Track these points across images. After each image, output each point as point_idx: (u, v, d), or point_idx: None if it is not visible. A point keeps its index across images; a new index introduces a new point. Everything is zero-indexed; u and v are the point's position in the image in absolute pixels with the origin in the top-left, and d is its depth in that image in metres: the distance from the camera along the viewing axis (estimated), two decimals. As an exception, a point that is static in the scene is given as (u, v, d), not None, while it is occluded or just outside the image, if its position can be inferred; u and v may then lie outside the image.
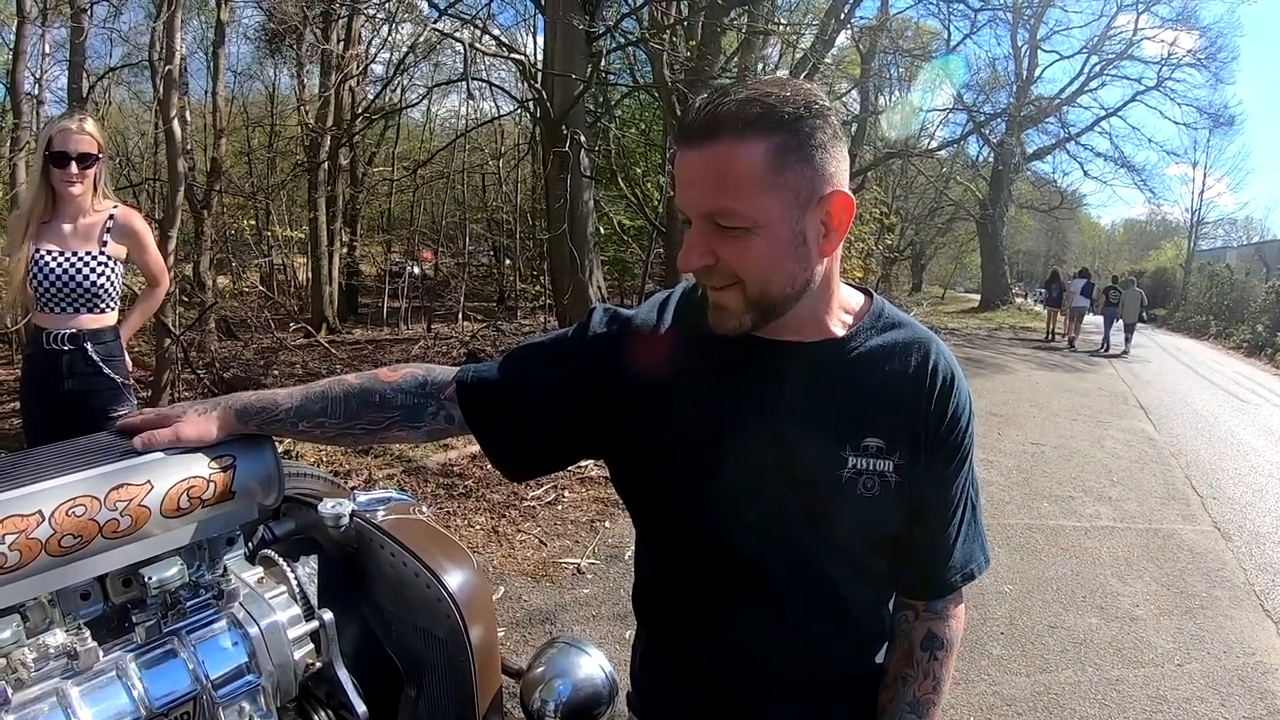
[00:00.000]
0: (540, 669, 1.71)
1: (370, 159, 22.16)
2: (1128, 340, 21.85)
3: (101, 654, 1.32)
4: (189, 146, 15.39)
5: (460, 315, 17.22)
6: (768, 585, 1.32)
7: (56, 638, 1.31)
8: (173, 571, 1.46)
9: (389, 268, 22.83)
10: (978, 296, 39.66)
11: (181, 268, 12.29)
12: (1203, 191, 43.17)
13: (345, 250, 20.45)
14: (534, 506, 5.73)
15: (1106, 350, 21.31)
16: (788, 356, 1.27)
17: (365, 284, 23.57)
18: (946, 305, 38.75)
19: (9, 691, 1.23)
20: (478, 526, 5.31)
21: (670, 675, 1.48)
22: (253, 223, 17.29)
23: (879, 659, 1.42)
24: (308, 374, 10.64)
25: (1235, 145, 69.27)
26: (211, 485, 1.48)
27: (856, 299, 1.36)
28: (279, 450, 1.62)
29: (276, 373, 11.30)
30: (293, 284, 20.45)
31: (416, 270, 23.50)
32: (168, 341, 8.68)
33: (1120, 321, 21.76)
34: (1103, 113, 36.73)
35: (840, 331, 1.29)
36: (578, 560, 5.03)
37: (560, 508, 5.70)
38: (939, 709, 1.35)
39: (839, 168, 1.18)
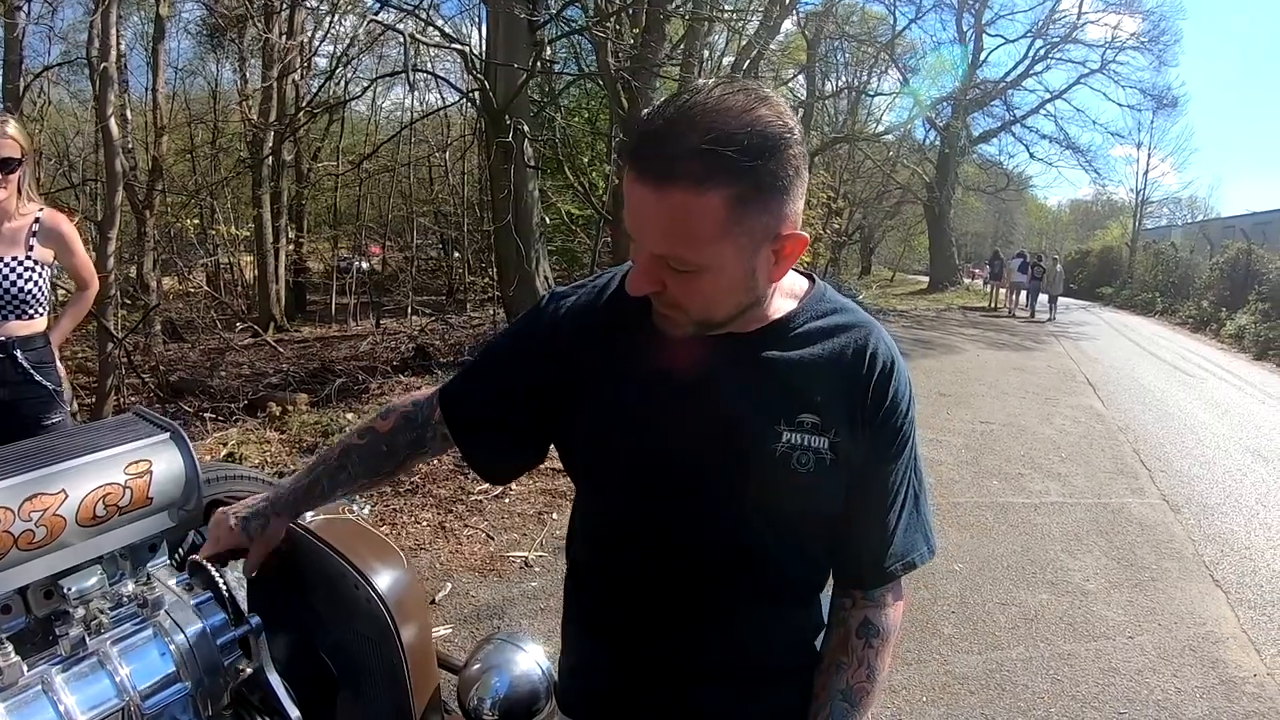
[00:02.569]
0: (476, 666, 1.68)
1: (315, 154, 21.91)
2: (1052, 308, 26.22)
3: (25, 668, 1.29)
4: (129, 145, 15.16)
5: (409, 310, 17.06)
6: (701, 566, 1.31)
7: (-22, 653, 1.27)
8: (92, 581, 1.45)
9: (336, 264, 22.62)
10: (927, 278, 39.94)
11: (125, 269, 12.11)
12: (1147, 172, 43.87)
13: (292, 247, 20.23)
14: (481, 501, 5.67)
15: (1032, 317, 25.45)
16: (729, 346, 1.27)
17: (313, 281, 23.34)
18: (895, 287, 38.96)
19: (-72, 709, 1.19)
20: (424, 523, 5.24)
21: (601, 660, 1.46)
22: (196, 221, 17.05)
23: (817, 647, 1.40)
24: (255, 374, 10.51)
25: (1179, 126, 70.73)
26: (128, 492, 1.46)
27: (800, 284, 1.36)
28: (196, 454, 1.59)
29: (224, 373, 11.14)
30: (239, 283, 20.20)
31: (364, 265, 23.28)
32: (110, 346, 8.51)
33: (1044, 294, 26.32)
34: (1048, 95, 37.37)
35: (778, 315, 1.29)
36: (525, 553, 4.99)
37: (507, 500, 5.64)
38: (874, 698, 1.33)
39: (795, 207, 1.16)
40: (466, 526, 5.23)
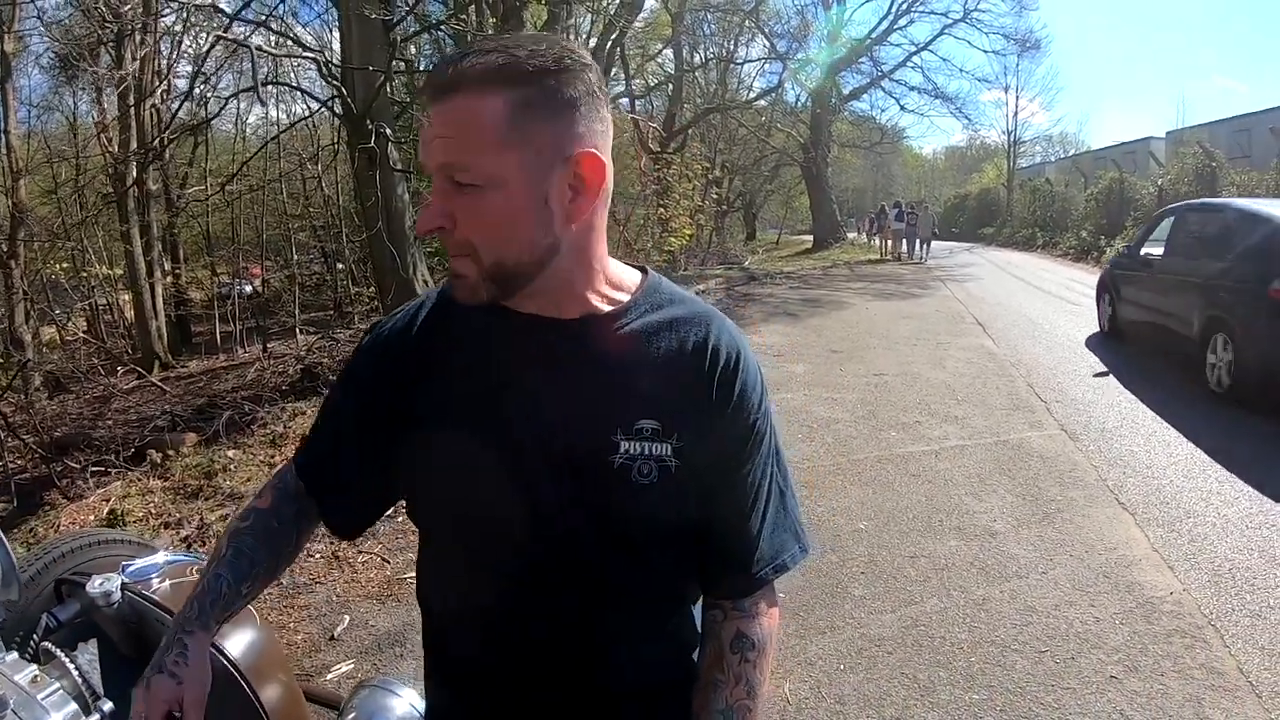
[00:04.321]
0: (351, 715, 1.60)
1: (184, 180, 21.35)
2: (926, 250, 29.64)
3: None
4: (-19, 194, 14.57)
5: (296, 329, 16.71)
6: (547, 587, 1.21)
7: None
8: None
9: (217, 291, 22.07)
10: (811, 238, 40.49)
11: (-3, 325, 11.67)
12: (1016, 113, 46.07)
13: (169, 279, 19.69)
14: (373, 526, 5.46)
15: (911, 259, 28.97)
16: (547, 334, 1.19)
17: (195, 312, 22.78)
18: (781, 249, 39.49)
19: None
20: (317, 555, 5.04)
21: (454, 689, 1.36)
22: (68, 265, 16.49)
23: (690, 664, 1.32)
24: (142, 418, 10.13)
25: (1043, 67, 73.05)
26: None
27: (631, 277, 1.27)
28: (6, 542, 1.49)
29: (109, 422, 10.77)
30: (121, 323, 19.61)
31: (247, 289, 22.77)
32: (-17, 411, 8.17)
33: (918, 238, 29.65)
34: (913, 49, 38.20)
35: (606, 308, 1.21)
36: (423, 573, 4.83)
37: (400, 519, 5.33)
38: (756, 715, 1.25)
39: (591, 128, 1.11)
40: (361, 553, 5.03)
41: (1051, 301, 15.46)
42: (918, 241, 29.83)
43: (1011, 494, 5.69)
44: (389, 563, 4.99)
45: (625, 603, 1.24)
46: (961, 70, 45.51)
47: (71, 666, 1.45)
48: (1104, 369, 9.60)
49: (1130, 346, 10.86)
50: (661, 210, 19.67)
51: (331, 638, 4.21)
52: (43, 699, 1.37)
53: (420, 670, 1.43)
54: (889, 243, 31.44)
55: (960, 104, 39.90)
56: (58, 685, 1.40)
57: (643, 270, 1.30)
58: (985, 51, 39.41)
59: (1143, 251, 10.75)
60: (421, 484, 1.27)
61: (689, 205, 20.69)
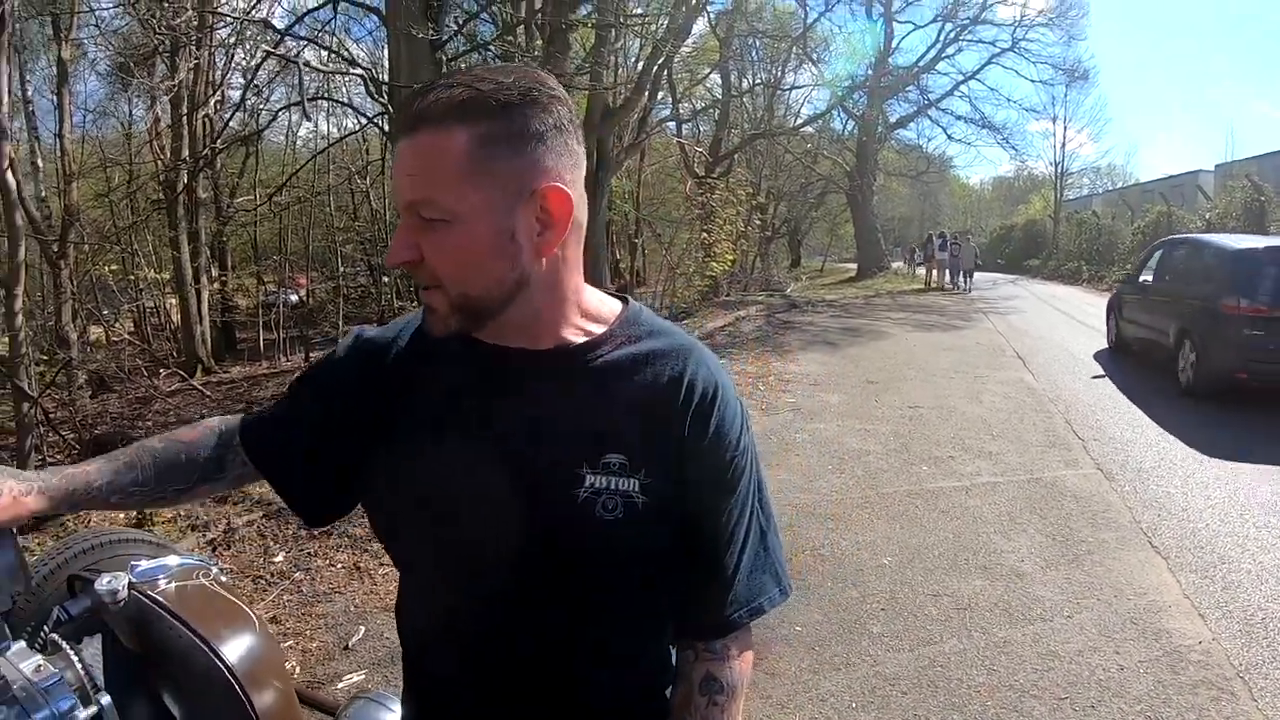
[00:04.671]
0: (343, 723, 1.63)
1: (233, 189, 21.68)
2: (969, 281, 29.88)
3: None
4: (42, 194, 14.86)
5: (339, 340, 16.90)
6: (518, 623, 1.21)
7: None
8: None
9: (263, 299, 22.35)
10: (856, 266, 40.39)
11: (44, 322, 11.87)
12: (1064, 144, 45.44)
13: (217, 286, 19.96)
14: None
15: (954, 289, 29.07)
16: (518, 365, 1.20)
17: (240, 319, 23.08)
18: (825, 277, 39.46)
19: None
20: (339, 565, 5.11)
21: (428, 705, 1.37)
22: (116, 267, 16.77)
23: (668, 696, 1.32)
24: (181, 421, 10.29)
25: (1091, 98, 71.93)
26: None
27: (610, 307, 1.27)
28: (18, 542, 1.53)
29: (150, 423, 10.93)
30: (167, 327, 19.90)
31: (293, 298, 23.05)
32: (26, 406, 8.32)
33: (961, 268, 29.97)
34: (961, 77, 37.91)
35: (580, 339, 1.21)
36: (439, 588, 4.86)
37: None
38: None
39: (559, 162, 1.11)
40: (382, 565, 5.06)
41: (1095, 336, 15.23)
42: (960, 272, 30.11)
43: (1042, 534, 5.60)
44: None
45: (598, 644, 1.24)
46: (1009, 100, 45.36)
47: (75, 659, 1.48)
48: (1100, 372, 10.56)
49: (1129, 358, 12.65)
50: (705, 235, 19.65)
51: (346, 647, 4.26)
52: (44, 687, 1.39)
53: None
54: (934, 273, 31.25)
55: (1007, 134, 39.49)
56: (59, 676, 1.42)
57: (624, 300, 1.30)
58: (1033, 81, 39.00)
59: (1140, 278, 12.66)
60: (390, 503, 1.28)
61: (732, 230, 20.65)
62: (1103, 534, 5.58)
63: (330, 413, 1.31)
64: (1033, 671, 3.92)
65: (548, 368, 1.19)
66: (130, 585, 1.57)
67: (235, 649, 1.47)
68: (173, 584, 1.61)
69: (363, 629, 4.44)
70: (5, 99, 8.47)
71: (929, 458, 7.50)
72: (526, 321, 1.17)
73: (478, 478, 1.17)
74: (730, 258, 21.86)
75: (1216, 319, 9.57)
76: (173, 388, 13.16)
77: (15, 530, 1.51)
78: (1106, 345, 13.96)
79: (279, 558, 5.33)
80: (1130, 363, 12.31)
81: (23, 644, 1.53)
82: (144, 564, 1.63)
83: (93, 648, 1.54)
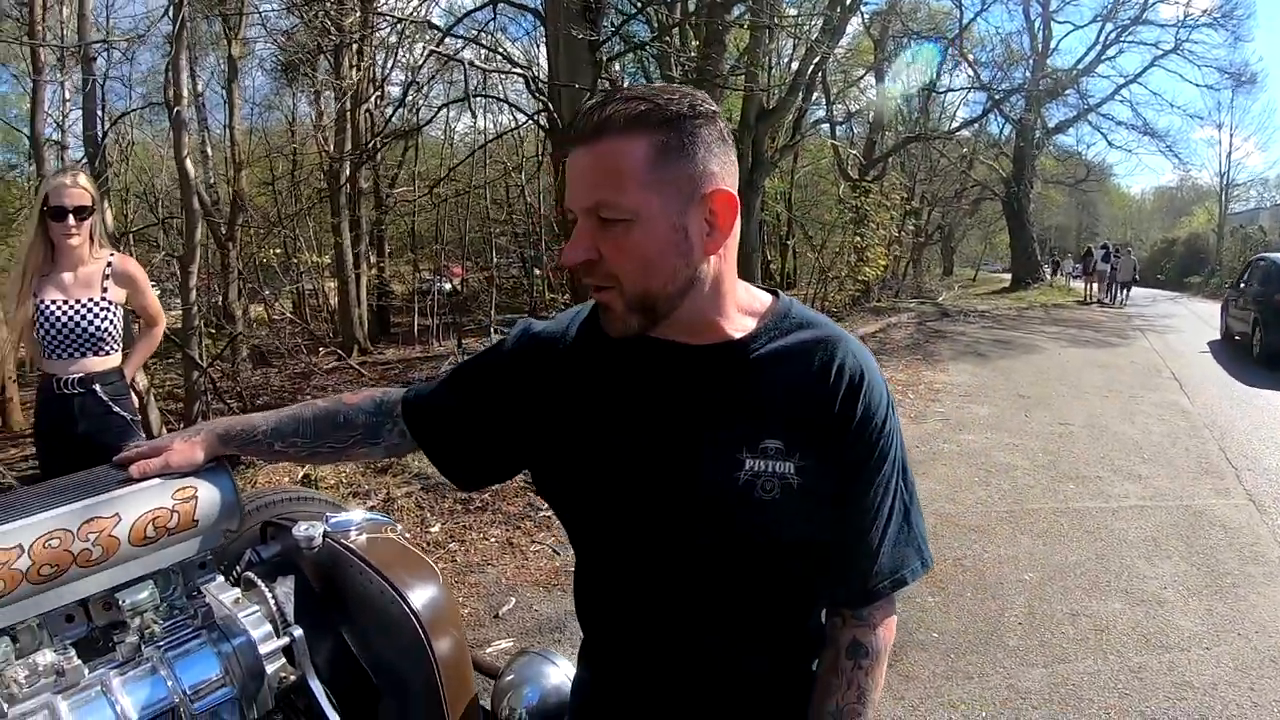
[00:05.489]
0: (510, 677, 1.76)
1: (393, 180, 22.31)
2: (1126, 295, 29.39)
3: (87, 671, 1.47)
4: (212, 180, 15.66)
5: (491, 329, 17.26)
6: (682, 596, 1.33)
7: (45, 657, 1.44)
8: (145, 595, 1.60)
9: (418, 286, 23.00)
10: (1010, 276, 39.27)
11: (213, 299, 12.51)
12: (1230, 153, 43.18)
13: (374, 271, 20.63)
14: (549, 517, 5.68)
15: (1112, 303, 28.50)
16: (682, 359, 1.29)
17: (395, 304, 23.77)
18: (977, 287, 38.31)
19: (4, 706, 1.36)
20: (493, 539, 5.34)
21: (598, 693, 1.49)
22: (280, 251, 17.49)
23: (814, 668, 1.41)
24: (338, 396, 10.71)
25: (1260, 104, 68.03)
26: (176, 515, 1.58)
27: (762, 301, 1.36)
28: (237, 480, 1.71)
29: (307, 397, 11.34)
30: (324, 308, 20.67)
31: (446, 286, 23.61)
32: (196, 374, 8.84)
33: (1118, 281, 29.32)
34: (1122, 80, 35.79)
35: (738, 334, 1.29)
36: (589, 568, 5.01)
37: None
38: (865, 719, 1.33)
39: (723, 169, 1.21)
40: (534, 542, 5.31)
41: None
42: (1117, 284, 29.16)
43: (1187, 562, 5.44)
44: (559, 554, 5.23)
45: (754, 616, 1.35)
46: (1172, 105, 42.61)
47: (269, 595, 1.66)
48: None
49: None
50: (857, 238, 19.42)
51: (496, 615, 4.47)
52: (243, 617, 1.58)
53: (576, 653, 1.59)
54: (1094, 286, 29.88)
55: (1170, 142, 37.14)
56: (256, 608, 1.61)
57: (774, 293, 1.38)
58: (1197, 86, 37.06)
59: (1240, 285, 16.74)
60: (565, 489, 1.40)
61: (885, 235, 20.35)
62: (1249, 567, 5.37)
63: (491, 397, 1.43)
64: (1165, 699, 3.86)
65: (710, 361, 1.28)
66: (325, 534, 1.74)
67: (420, 596, 1.60)
68: (364, 535, 1.76)
69: (513, 600, 4.65)
70: (184, 93, 9.02)
71: (1077, 476, 7.34)
72: (692, 319, 1.26)
73: (646, 465, 1.28)
74: (882, 263, 21.50)
75: (1273, 308, 14.08)
76: (330, 365, 13.63)
77: (231, 471, 1.70)
78: (1220, 337, 18.02)
79: (435, 528, 5.59)
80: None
81: (222, 578, 1.73)
82: (337, 516, 1.80)
83: (285, 586, 1.70)
